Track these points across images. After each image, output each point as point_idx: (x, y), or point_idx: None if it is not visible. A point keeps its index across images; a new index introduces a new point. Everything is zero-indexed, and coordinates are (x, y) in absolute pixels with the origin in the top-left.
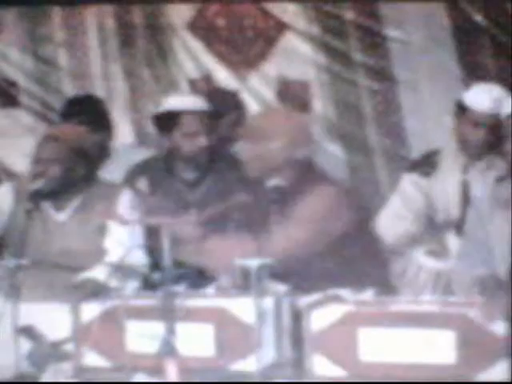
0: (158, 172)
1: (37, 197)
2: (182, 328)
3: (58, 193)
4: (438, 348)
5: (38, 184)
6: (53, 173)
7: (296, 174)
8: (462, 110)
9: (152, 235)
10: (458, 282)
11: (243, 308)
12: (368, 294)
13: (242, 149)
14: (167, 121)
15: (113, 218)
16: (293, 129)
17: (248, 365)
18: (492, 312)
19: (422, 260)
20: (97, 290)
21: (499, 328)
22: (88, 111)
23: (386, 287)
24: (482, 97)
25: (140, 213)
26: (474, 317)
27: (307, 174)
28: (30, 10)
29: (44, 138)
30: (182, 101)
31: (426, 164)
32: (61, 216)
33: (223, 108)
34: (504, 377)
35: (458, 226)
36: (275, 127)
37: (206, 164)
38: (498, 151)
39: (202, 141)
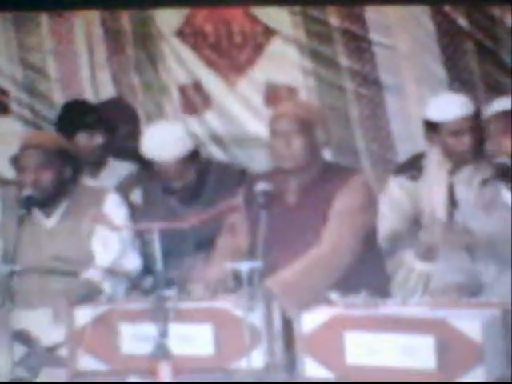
0: (152, 185)
1: (29, 203)
2: (178, 329)
3: (47, 199)
4: (419, 353)
5: (30, 191)
6: (43, 180)
7: (320, 168)
8: (433, 126)
9: (143, 240)
10: (435, 285)
11: (239, 310)
12: (360, 297)
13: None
14: None
15: (102, 223)
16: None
17: (241, 366)
18: None
19: (413, 262)
20: (92, 292)
21: (477, 334)
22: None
23: (380, 290)
24: (448, 107)
25: (131, 218)
26: (453, 322)
27: (330, 166)
28: (18, 18)
29: (23, 147)
30: None
31: (413, 167)
32: (49, 222)
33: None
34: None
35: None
36: (313, 114)
37: (197, 181)
38: (482, 154)
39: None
